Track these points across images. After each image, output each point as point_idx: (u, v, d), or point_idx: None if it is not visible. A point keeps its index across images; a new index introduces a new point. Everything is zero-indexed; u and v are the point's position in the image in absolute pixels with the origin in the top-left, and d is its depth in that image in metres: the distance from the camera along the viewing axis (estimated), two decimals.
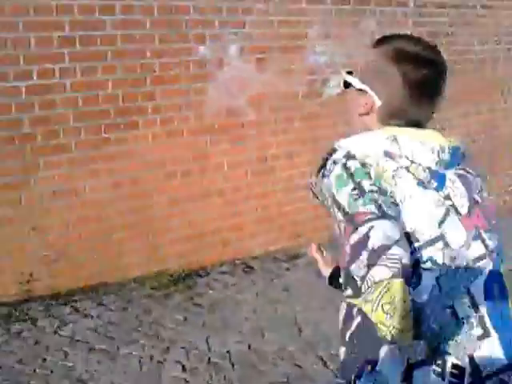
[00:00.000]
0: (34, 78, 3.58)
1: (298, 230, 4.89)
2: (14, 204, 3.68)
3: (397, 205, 1.38)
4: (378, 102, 1.47)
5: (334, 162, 1.42)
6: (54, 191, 3.82)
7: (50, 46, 3.62)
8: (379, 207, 1.34)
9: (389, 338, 1.26)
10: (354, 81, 1.55)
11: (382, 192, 1.37)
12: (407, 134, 1.44)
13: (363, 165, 1.40)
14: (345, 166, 1.40)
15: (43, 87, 3.65)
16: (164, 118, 4.19)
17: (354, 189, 1.37)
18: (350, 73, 1.60)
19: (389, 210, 1.35)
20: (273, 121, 4.75)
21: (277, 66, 4.65)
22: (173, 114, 4.23)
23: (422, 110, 1.48)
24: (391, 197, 1.38)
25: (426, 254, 1.41)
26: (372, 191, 1.36)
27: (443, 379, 1.38)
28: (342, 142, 1.45)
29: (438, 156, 1.44)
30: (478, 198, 1.51)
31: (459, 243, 1.45)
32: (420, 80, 1.43)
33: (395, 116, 1.47)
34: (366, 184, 1.37)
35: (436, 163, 1.44)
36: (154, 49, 4.05)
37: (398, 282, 1.27)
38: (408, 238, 1.37)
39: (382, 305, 1.27)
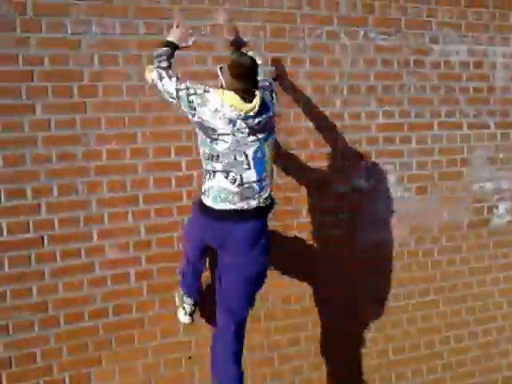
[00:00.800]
0: None
1: None
2: None
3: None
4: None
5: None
6: None
7: None
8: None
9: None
10: (219, 73, 3.11)
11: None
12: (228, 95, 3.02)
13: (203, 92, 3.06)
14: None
15: None
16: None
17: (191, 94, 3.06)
18: (221, 68, 3.11)
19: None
20: (436, 252, 4.51)
21: (438, 194, 4.46)
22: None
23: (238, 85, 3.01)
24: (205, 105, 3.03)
25: (221, 137, 3.04)
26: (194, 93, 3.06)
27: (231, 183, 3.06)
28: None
29: (234, 111, 3.00)
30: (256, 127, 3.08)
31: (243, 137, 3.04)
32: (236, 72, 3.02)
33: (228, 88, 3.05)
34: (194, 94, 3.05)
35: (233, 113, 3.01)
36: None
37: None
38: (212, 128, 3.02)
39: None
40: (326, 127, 4.04)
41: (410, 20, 4.26)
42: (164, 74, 3.13)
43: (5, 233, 3.26)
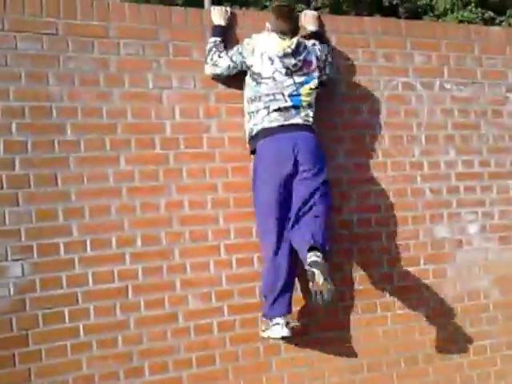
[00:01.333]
0: None
1: None
2: None
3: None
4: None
5: None
6: None
7: None
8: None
9: None
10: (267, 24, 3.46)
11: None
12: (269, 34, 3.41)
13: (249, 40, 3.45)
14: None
15: None
16: (401, 304, 3.89)
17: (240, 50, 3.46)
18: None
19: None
20: None
21: None
22: (411, 297, 3.91)
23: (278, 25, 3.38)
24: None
25: (264, 80, 3.35)
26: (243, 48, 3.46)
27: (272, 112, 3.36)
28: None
29: (273, 48, 3.35)
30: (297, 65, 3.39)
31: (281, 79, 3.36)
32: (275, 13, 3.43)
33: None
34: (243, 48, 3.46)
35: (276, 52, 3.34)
36: (389, 231, 3.92)
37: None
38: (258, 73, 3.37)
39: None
40: (405, 177, 3.95)
41: (486, 70, 4.19)
42: (219, 62, 3.45)
43: (90, 282, 3.22)
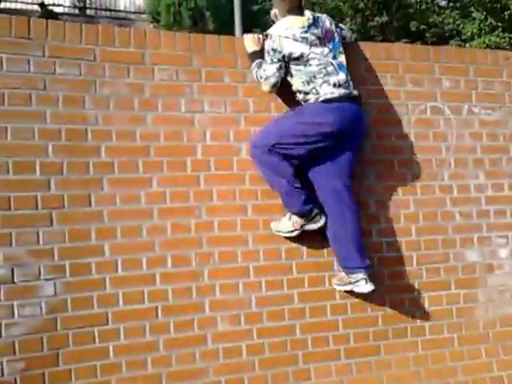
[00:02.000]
0: None
1: None
2: None
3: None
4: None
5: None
6: None
7: None
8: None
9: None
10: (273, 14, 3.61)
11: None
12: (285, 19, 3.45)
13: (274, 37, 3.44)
14: None
15: None
16: (432, 329, 3.76)
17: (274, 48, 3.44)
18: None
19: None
20: None
21: None
22: (442, 322, 3.79)
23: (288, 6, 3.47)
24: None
25: (309, 59, 3.39)
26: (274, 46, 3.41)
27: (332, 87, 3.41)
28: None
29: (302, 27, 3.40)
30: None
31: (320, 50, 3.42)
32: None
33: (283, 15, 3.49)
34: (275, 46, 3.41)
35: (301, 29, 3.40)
36: (419, 255, 3.83)
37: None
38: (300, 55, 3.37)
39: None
40: (434, 200, 3.86)
41: None
42: (268, 72, 3.41)
43: (121, 302, 3.18)
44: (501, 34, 7.53)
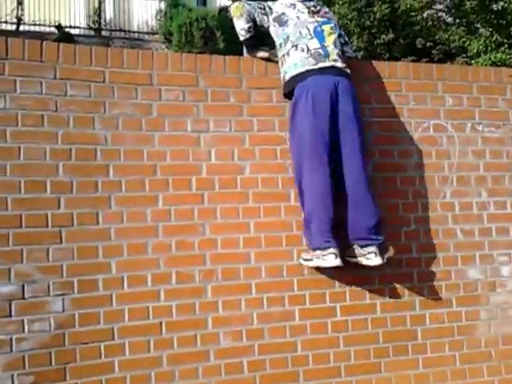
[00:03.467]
0: None
1: None
2: None
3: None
4: None
5: None
6: None
7: None
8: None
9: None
10: None
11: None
12: None
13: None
14: None
15: None
16: (433, 347, 3.64)
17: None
18: None
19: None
20: None
21: None
22: (443, 340, 3.67)
23: None
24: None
25: (289, 20, 3.46)
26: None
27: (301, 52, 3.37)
28: None
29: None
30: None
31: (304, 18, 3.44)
32: None
33: None
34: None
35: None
36: (420, 273, 3.72)
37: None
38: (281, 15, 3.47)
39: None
40: (436, 218, 3.75)
41: None
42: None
43: (126, 318, 3.14)
44: (507, 50, 7.34)
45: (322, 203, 3.25)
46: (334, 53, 3.37)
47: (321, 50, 3.34)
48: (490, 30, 7.83)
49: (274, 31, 3.50)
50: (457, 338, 3.72)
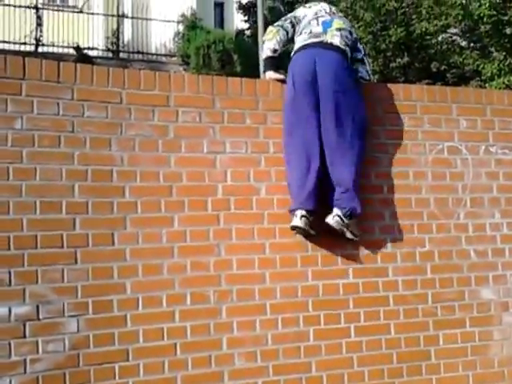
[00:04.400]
0: None
1: None
2: None
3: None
4: None
5: None
6: None
7: None
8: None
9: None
10: None
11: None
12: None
13: None
14: None
15: None
16: (447, 367, 3.45)
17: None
18: None
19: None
20: None
21: None
22: (457, 360, 3.48)
23: None
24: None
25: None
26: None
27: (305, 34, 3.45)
28: None
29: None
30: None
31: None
32: None
33: None
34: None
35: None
36: (434, 293, 3.55)
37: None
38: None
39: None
40: (450, 239, 3.58)
41: None
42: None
43: (141, 339, 2.98)
44: None
45: (300, 173, 3.20)
46: (332, 34, 3.35)
47: (321, 33, 3.36)
48: (504, 53, 7.69)
49: (296, 32, 3.49)
50: (470, 358, 3.53)
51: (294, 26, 3.49)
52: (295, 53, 3.37)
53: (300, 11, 3.57)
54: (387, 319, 3.38)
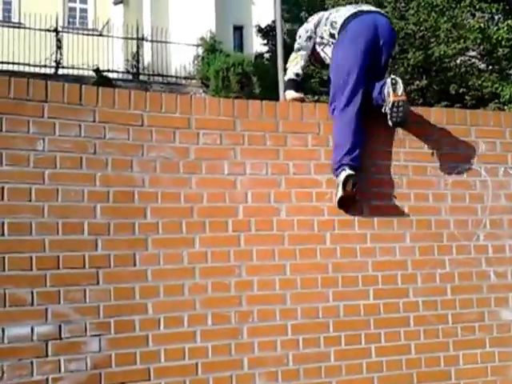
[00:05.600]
0: None
1: None
2: None
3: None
4: None
5: None
6: None
7: None
8: None
9: None
10: None
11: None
12: None
13: None
14: None
15: None
16: None
17: None
18: None
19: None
20: None
21: None
22: (477, 380, 3.38)
23: None
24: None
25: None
26: None
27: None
28: None
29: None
30: None
31: None
32: None
33: None
34: None
35: None
36: (454, 314, 3.46)
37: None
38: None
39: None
40: (470, 260, 3.50)
41: None
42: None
43: (162, 359, 2.93)
44: None
45: (360, 133, 3.28)
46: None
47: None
48: None
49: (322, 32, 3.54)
50: (490, 378, 3.44)
51: (311, 38, 3.57)
52: (348, 21, 3.38)
53: (310, 22, 3.63)
54: (407, 340, 3.30)
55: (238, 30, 20.50)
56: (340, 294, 3.22)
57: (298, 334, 3.14)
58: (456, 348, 3.40)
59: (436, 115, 3.58)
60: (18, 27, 16.39)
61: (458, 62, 9.47)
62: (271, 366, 3.08)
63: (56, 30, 15.96)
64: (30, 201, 2.83)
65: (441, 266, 3.42)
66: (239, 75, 13.37)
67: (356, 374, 3.21)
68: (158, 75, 16.57)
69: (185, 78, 16.67)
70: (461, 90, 9.01)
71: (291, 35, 14.86)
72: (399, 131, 3.45)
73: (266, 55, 15.93)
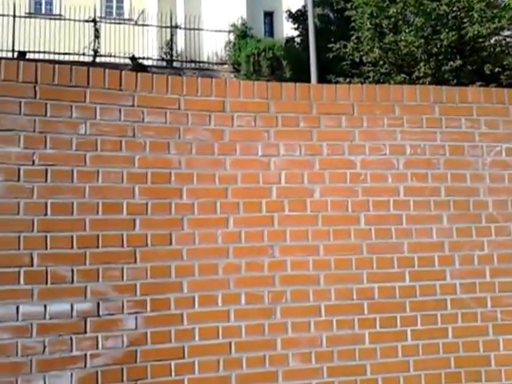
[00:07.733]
0: None
1: None
2: None
3: None
4: None
5: None
6: None
7: None
8: None
9: None
10: None
11: None
12: None
13: None
14: None
15: None
16: (509, 370, 3.38)
17: None
18: None
19: None
20: None
21: None
22: None
23: None
24: None
25: None
26: None
27: None
28: None
29: None
30: None
31: None
32: None
33: None
34: None
35: None
36: (493, 297, 3.51)
37: None
38: None
39: None
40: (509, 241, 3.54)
41: None
42: None
43: (197, 337, 3.06)
44: None
45: None
46: None
47: None
48: None
49: None
50: None
51: None
52: None
53: None
54: (445, 323, 3.37)
55: (269, 15, 20.77)
56: (374, 275, 3.31)
57: (332, 315, 3.25)
58: (496, 332, 3.45)
59: (473, 94, 3.62)
60: (59, 19, 17.36)
61: (493, 41, 9.37)
62: (305, 348, 3.21)
63: (94, 21, 16.58)
64: (72, 182, 3.02)
65: (479, 248, 3.48)
66: (270, 59, 13.55)
67: (391, 358, 3.30)
68: (191, 61, 16.96)
69: (216, 63, 17.01)
70: (496, 70, 8.91)
71: (322, 19, 14.90)
72: (435, 111, 3.51)
73: (297, 39, 16.06)
